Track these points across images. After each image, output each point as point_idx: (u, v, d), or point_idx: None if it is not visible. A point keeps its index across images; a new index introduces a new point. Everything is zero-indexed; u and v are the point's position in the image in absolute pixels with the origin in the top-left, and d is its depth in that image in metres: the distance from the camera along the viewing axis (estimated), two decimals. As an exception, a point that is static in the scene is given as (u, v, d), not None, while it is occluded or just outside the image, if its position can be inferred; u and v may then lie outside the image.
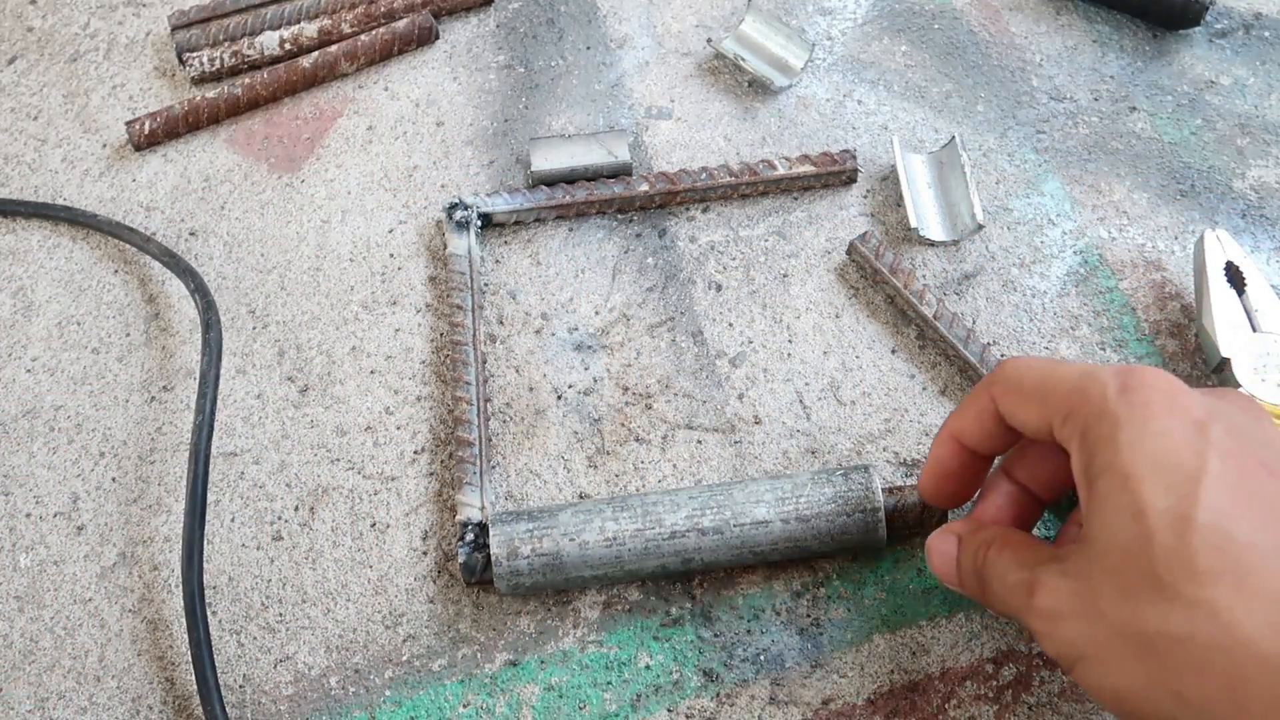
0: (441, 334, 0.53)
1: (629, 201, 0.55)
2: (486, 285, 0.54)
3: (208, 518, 0.49)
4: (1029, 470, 0.42)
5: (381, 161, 0.58)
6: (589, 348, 0.53)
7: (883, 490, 0.46)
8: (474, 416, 0.50)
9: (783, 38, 0.59)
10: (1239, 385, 0.47)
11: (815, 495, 0.46)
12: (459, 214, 0.54)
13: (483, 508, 0.47)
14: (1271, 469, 0.33)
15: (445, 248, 0.54)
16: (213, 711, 0.44)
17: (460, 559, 0.46)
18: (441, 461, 0.50)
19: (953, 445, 0.41)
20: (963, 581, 0.40)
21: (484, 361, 0.52)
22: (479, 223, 0.55)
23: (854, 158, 0.55)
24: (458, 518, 0.47)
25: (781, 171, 0.55)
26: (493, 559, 0.45)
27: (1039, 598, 0.36)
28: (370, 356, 0.53)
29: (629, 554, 0.46)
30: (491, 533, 0.46)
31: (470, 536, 0.47)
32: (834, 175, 0.55)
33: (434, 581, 0.48)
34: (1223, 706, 0.31)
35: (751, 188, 0.55)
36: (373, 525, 0.49)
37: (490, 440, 0.51)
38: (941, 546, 0.41)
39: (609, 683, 0.46)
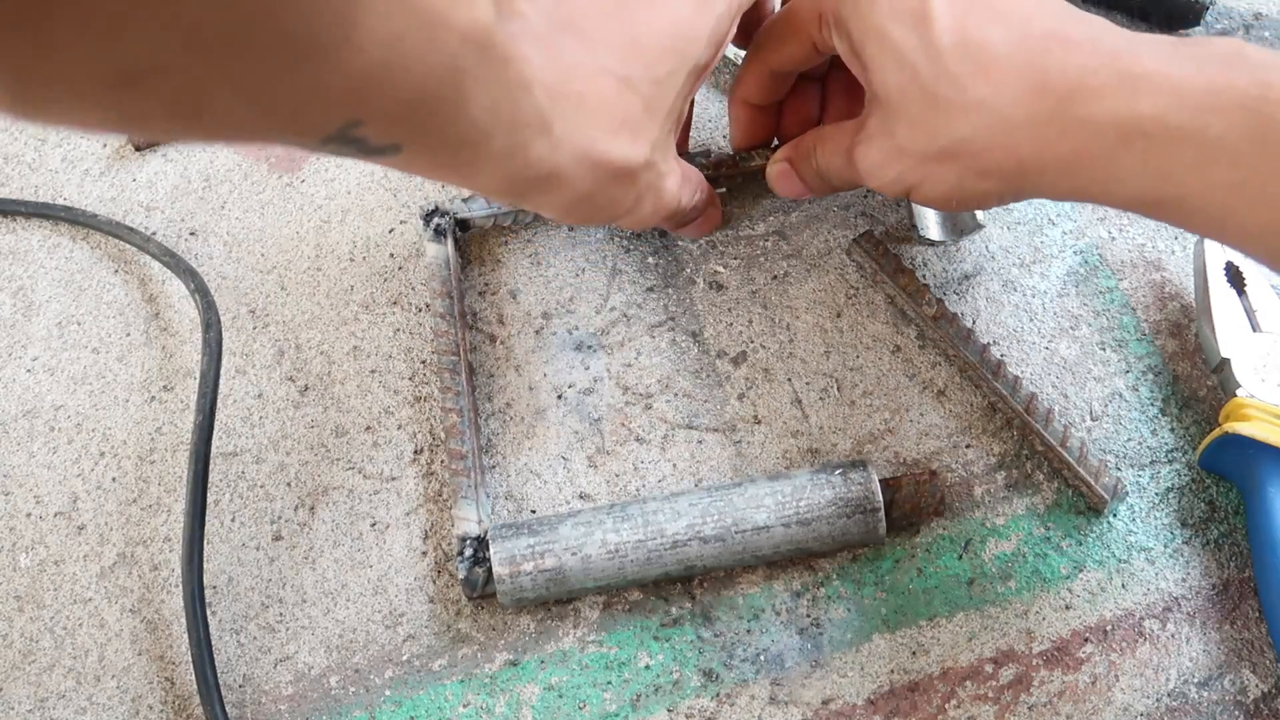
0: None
1: None
2: (486, 286, 0.54)
3: (208, 518, 0.49)
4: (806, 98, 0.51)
5: (381, 161, 0.58)
6: (589, 347, 0.53)
7: (880, 482, 0.46)
8: (465, 428, 0.49)
9: (783, 38, 0.59)
10: (1239, 385, 0.47)
11: (815, 498, 0.46)
12: (436, 221, 0.53)
13: (480, 521, 0.47)
14: None
15: (425, 256, 0.54)
16: (213, 711, 0.44)
17: (461, 575, 0.46)
18: (441, 461, 0.50)
19: (745, 109, 0.50)
20: (811, 186, 0.49)
21: (472, 371, 0.51)
22: (456, 229, 0.54)
23: None
24: (455, 531, 0.47)
25: (759, 162, 0.54)
26: (495, 578, 0.45)
27: (859, 163, 0.44)
28: (370, 356, 0.53)
29: (631, 565, 0.45)
30: (492, 549, 0.45)
31: (469, 552, 0.46)
32: None
33: (434, 581, 0.48)
34: (1010, 164, 0.40)
35: (730, 179, 0.54)
36: (373, 525, 0.49)
37: (484, 451, 0.51)
38: (781, 172, 0.50)
39: (609, 683, 0.46)
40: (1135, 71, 0.37)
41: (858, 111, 0.45)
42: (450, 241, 0.53)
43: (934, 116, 0.40)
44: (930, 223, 0.54)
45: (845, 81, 0.49)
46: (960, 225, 0.54)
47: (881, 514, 0.46)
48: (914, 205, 0.54)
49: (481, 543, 0.46)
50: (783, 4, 0.48)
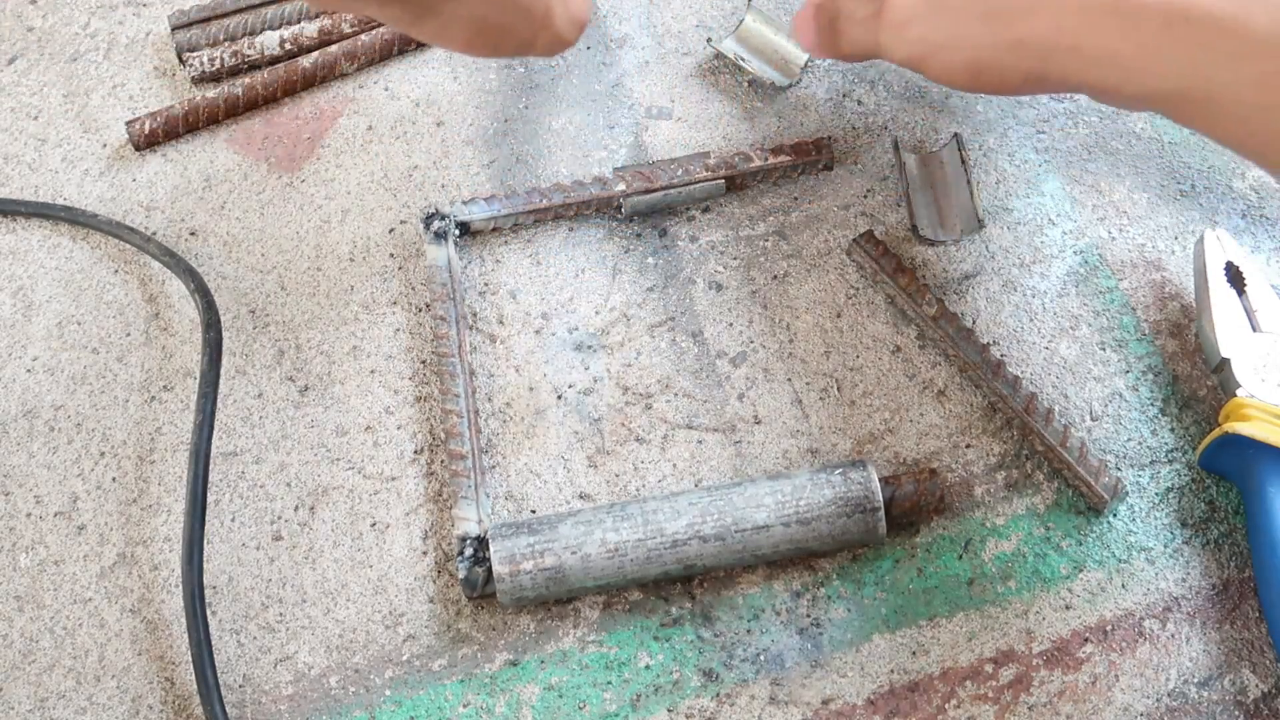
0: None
1: (607, 202, 0.55)
2: (486, 286, 0.54)
3: (208, 518, 0.49)
4: None
5: (381, 161, 0.58)
6: (589, 347, 0.53)
7: (880, 481, 0.46)
8: (465, 429, 0.49)
9: (783, 38, 0.59)
10: (1239, 385, 0.47)
11: (815, 497, 0.46)
12: (436, 224, 0.53)
13: (480, 521, 0.47)
14: None
15: (425, 259, 0.54)
16: (213, 711, 0.44)
17: (461, 575, 0.46)
18: (441, 461, 0.50)
19: None
20: (823, 40, 0.49)
21: (472, 373, 0.51)
22: (457, 232, 0.54)
23: (829, 145, 0.55)
24: (455, 531, 0.47)
25: (758, 163, 0.55)
26: (495, 577, 0.45)
27: (888, 14, 0.44)
28: (370, 356, 0.53)
29: (631, 564, 0.46)
30: (492, 548, 0.45)
31: (469, 551, 0.46)
32: (811, 164, 0.55)
33: (434, 581, 0.48)
34: (1049, 35, 0.40)
35: (730, 182, 0.55)
36: (373, 525, 0.49)
37: (484, 451, 0.51)
38: (801, 15, 0.49)
39: (609, 683, 0.46)
40: None
41: None
42: (450, 244, 0.53)
43: None
44: (930, 223, 0.54)
45: None
46: (960, 225, 0.54)
47: (881, 513, 0.46)
48: (913, 205, 0.54)
49: (481, 542, 0.46)
50: None
